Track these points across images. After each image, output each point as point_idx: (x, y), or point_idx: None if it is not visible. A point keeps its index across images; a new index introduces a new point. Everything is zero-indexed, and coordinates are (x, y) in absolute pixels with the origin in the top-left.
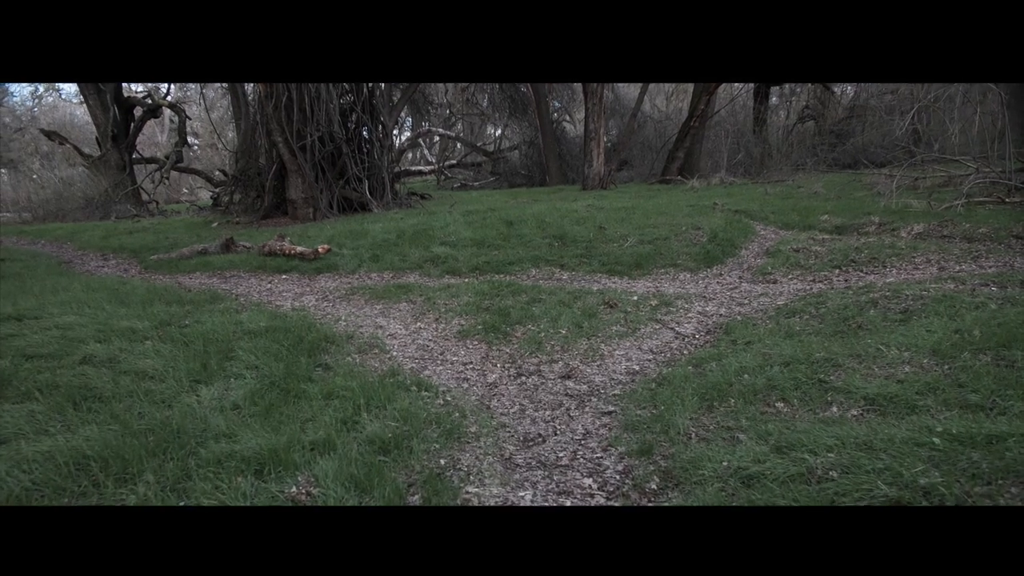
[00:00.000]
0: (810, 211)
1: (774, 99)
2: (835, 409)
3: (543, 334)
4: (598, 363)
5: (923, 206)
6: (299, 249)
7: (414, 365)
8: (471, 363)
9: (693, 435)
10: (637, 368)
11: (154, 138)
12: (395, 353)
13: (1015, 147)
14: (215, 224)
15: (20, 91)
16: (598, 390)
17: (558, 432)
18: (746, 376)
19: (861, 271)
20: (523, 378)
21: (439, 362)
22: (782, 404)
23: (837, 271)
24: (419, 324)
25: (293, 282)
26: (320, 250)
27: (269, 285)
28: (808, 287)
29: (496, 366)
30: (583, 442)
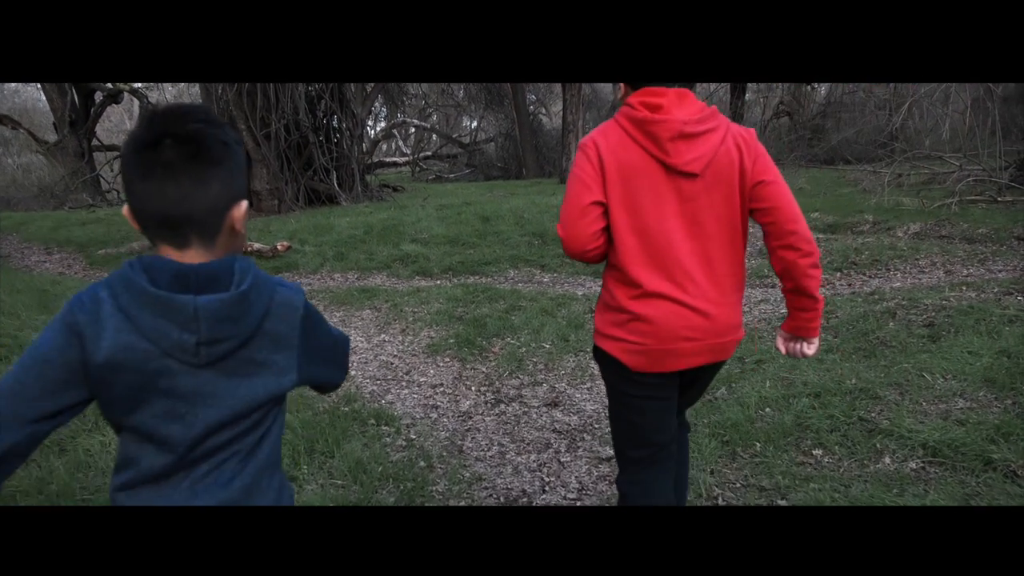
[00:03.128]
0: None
1: (748, 95)
2: (888, 460)
3: (524, 349)
4: (588, 385)
5: (915, 204)
6: (256, 246)
7: (375, 388)
8: (441, 385)
9: (719, 498)
10: None
11: (122, 125)
12: (353, 372)
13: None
14: None
15: None
16: (591, 424)
17: (547, 488)
18: (769, 410)
19: (863, 274)
20: (502, 406)
21: (404, 384)
22: (820, 452)
23: (839, 274)
24: (383, 336)
25: None
26: (279, 247)
27: None
28: None
29: (471, 389)
30: (581, 504)
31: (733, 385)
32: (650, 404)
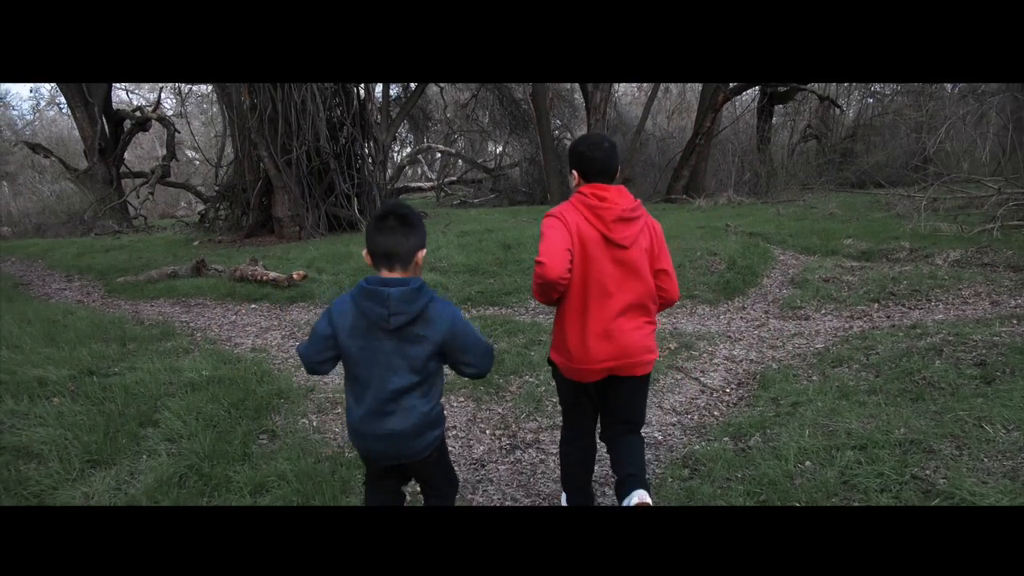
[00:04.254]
0: (830, 234)
1: (775, 118)
2: None
3: (543, 388)
4: None
5: (953, 230)
6: (272, 275)
7: None
8: (454, 428)
9: None
10: (659, 437)
11: (153, 152)
12: None
13: None
14: (196, 242)
15: (20, 105)
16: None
17: None
18: (809, 464)
19: (903, 305)
20: (518, 452)
21: None
22: None
23: (876, 305)
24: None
25: (262, 313)
26: (295, 276)
27: (234, 317)
28: (846, 324)
29: (485, 433)
30: None
31: (767, 431)
32: (577, 398)
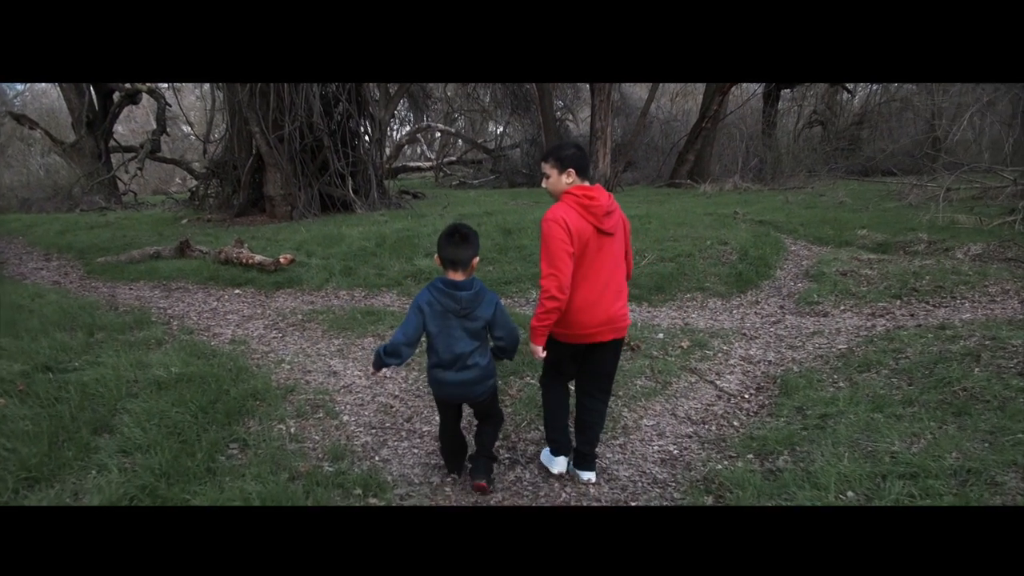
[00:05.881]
0: (843, 224)
1: (781, 104)
2: None
3: None
4: (620, 441)
5: (972, 222)
6: (257, 259)
7: (369, 438)
8: None
9: None
10: (675, 451)
11: (147, 126)
12: (346, 418)
13: None
14: (185, 221)
15: None
16: (625, 502)
17: None
18: (852, 495)
19: (926, 302)
20: (519, 468)
21: (403, 434)
22: None
23: (898, 302)
24: (385, 370)
25: (246, 299)
26: (282, 260)
27: (216, 303)
28: (868, 323)
29: None
30: None
31: (797, 449)
32: (564, 357)
